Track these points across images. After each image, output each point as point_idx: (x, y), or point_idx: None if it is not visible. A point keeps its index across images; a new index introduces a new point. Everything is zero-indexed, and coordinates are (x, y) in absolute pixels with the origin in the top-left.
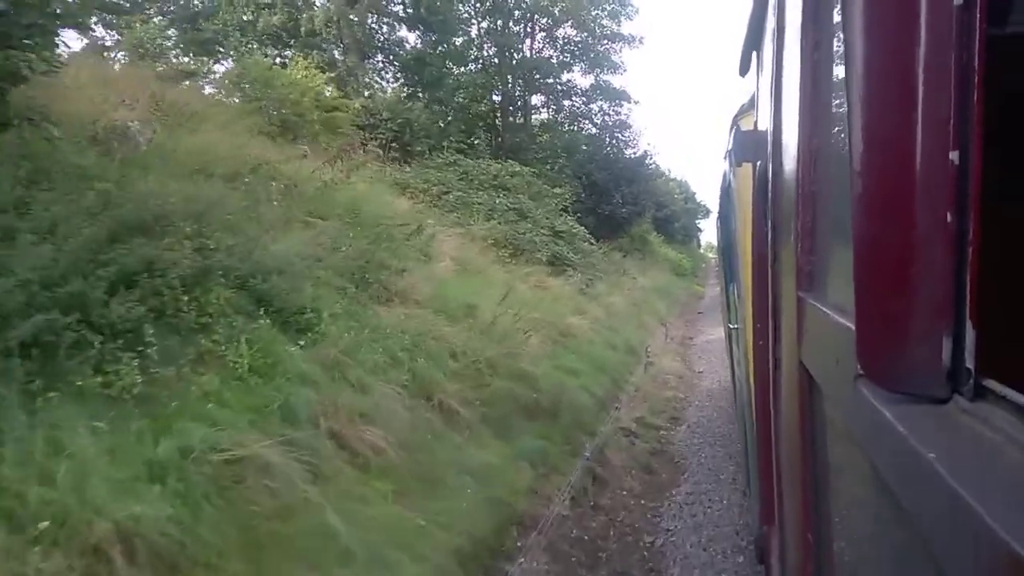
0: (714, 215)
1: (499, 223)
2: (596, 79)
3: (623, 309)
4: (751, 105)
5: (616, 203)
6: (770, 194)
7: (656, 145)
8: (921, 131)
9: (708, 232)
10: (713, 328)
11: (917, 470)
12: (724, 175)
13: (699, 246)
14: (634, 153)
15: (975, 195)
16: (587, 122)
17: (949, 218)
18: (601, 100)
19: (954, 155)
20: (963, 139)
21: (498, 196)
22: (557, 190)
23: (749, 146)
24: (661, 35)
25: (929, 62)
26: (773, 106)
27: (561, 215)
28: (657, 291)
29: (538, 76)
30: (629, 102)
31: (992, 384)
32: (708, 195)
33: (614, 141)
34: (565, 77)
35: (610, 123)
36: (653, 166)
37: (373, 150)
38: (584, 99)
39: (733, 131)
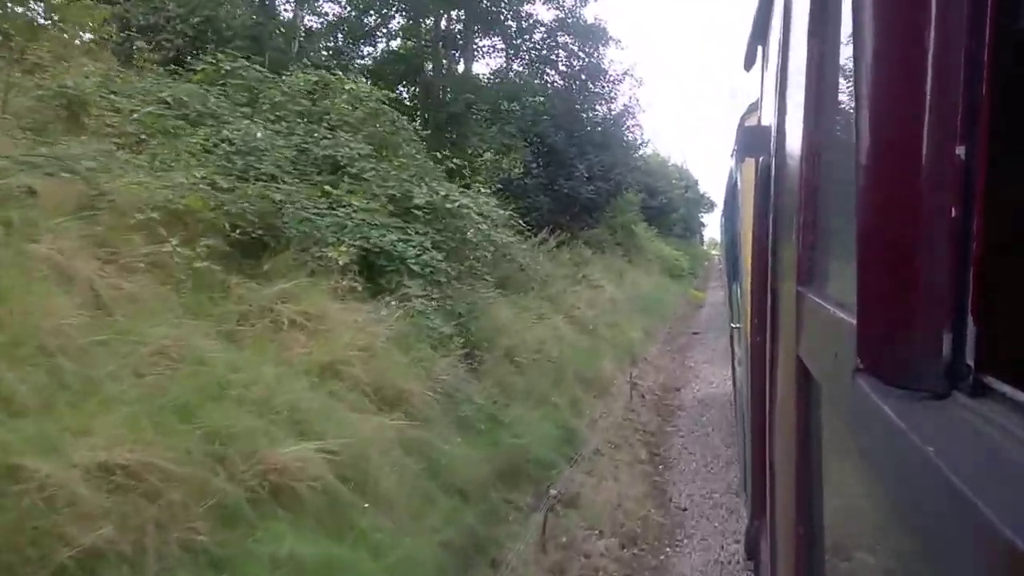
0: (719, 210)
1: (232, 175)
2: (562, 9)
3: (559, 349)
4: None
5: (579, 177)
6: (772, 189)
7: (641, 98)
8: (928, 125)
9: (713, 228)
10: (715, 364)
11: (915, 464)
12: (730, 173)
13: (702, 243)
14: (610, 110)
15: (980, 190)
16: (551, 70)
17: (954, 212)
18: (568, 39)
19: (960, 150)
20: (970, 133)
21: (280, 125)
22: (505, 163)
23: (753, 141)
24: (672, 29)
25: (938, 55)
26: (777, 100)
27: (465, 187)
28: (638, 303)
29: (486, 4)
30: (605, 43)
31: (992, 380)
32: (712, 187)
33: (585, 94)
34: (525, 9)
35: (578, 68)
36: (636, 131)
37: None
38: (547, 38)
39: (739, 128)
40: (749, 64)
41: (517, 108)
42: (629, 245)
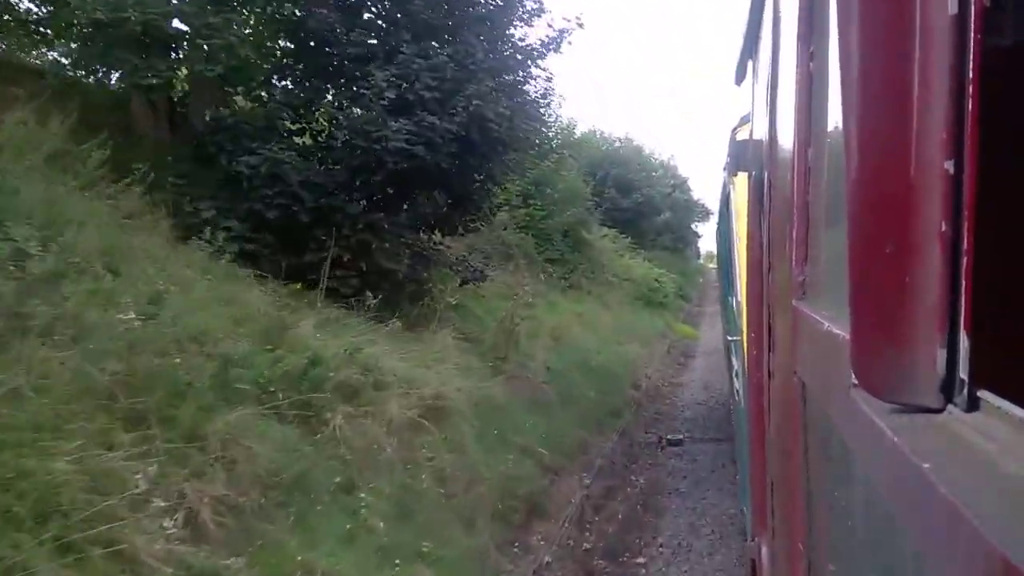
0: (715, 218)
1: None
2: None
3: None
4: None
5: (373, 98)
6: (765, 203)
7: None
8: (916, 140)
9: (709, 239)
10: None
11: (910, 480)
12: (723, 185)
13: (698, 256)
14: None
15: (970, 204)
16: None
17: (944, 227)
18: None
19: (949, 164)
20: (958, 148)
21: None
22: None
23: (745, 155)
24: (668, 42)
25: (924, 71)
26: (768, 115)
27: None
28: (541, 399)
29: None
30: None
31: (986, 395)
32: (706, 195)
33: None
34: None
35: None
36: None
37: None
38: None
39: (730, 141)
40: (740, 78)
41: None
42: (576, 262)
